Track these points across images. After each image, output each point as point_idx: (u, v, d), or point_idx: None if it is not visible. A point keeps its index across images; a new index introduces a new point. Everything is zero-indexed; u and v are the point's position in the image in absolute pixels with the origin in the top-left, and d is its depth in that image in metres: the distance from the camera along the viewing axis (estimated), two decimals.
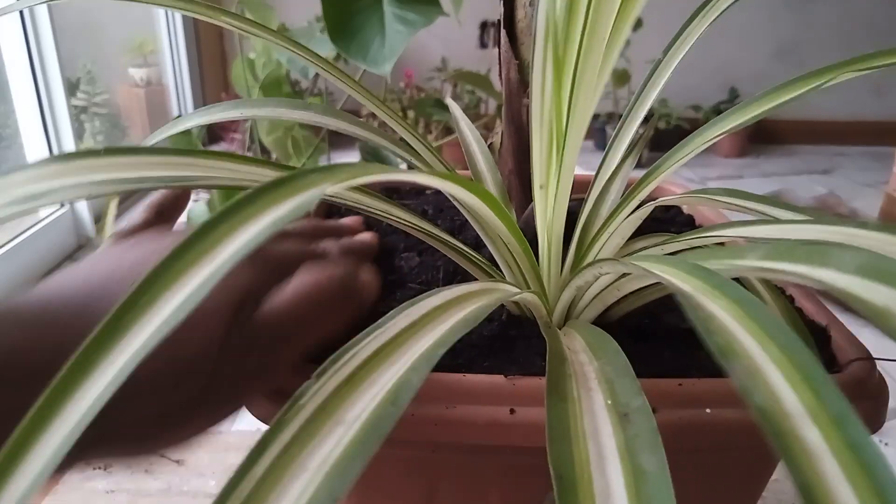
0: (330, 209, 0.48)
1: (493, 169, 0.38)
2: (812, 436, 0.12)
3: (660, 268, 0.18)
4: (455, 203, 0.33)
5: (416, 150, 0.35)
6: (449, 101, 0.43)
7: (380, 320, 0.16)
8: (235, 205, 0.14)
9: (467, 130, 0.41)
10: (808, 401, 0.12)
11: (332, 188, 0.16)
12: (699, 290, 0.16)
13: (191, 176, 0.22)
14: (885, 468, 0.11)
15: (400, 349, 0.15)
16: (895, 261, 0.15)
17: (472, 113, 2.21)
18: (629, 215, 0.30)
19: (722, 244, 0.27)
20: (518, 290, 0.25)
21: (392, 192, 0.53)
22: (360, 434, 0.12)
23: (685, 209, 0.50)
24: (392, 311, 0.17)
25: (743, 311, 0.15)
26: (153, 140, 0.32)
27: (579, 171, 0.33)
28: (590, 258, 0.31)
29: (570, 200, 0.29)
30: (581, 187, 0.34)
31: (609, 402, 0.15)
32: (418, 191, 0.53)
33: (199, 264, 0.13)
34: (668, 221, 0.49)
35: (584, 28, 0.24)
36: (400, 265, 0.39)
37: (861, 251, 0.16)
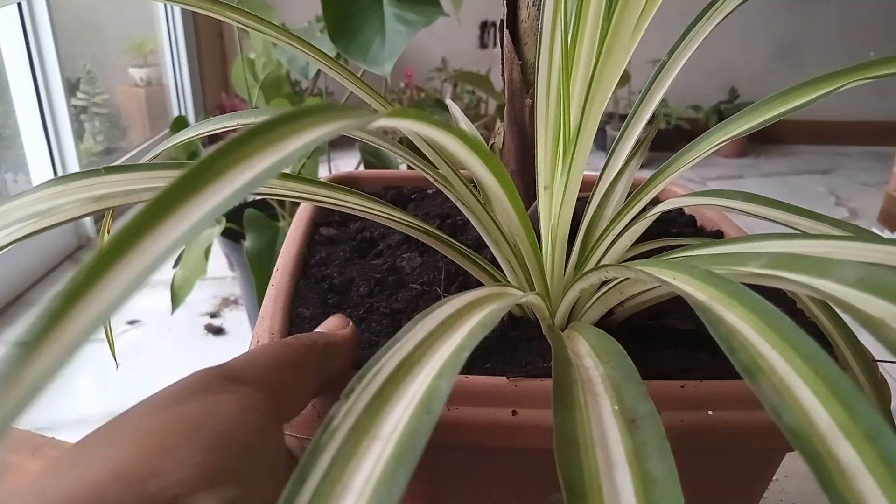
0: (326, 213, 0.47)
1: None
2: (846, 453, 0.12)
3: (670, 274, 0.18)
4: (457, 204, 0.33)
5: (418, 149, 0.35)
6: (448, 102, 0.42)
7: (397, 334, 0.16)
8: (250, 133, 0.13)
9: (467, 131, 0.40)
10: (839, 417, 0.12)
11: (354, 126, 0.15)
12: (714, 298, 0.16)
13: None
14: None
15: (423, 359, 0.15)
16: (893, 275, 0.15)
17: (473, 113, 2.21)
18: (634, 217, 0.30)
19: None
20: (524, 294, 0.25)
21: (394, 192, 0.53)
22: (398, 447, 0.12)
23: (686, 210, 0.50)
24: (408, 324, 0.17)
25: (763, 321, 0.15)
26: (159, 149, 0.32)
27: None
28: (594, 260, 0.31)
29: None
30: (583, 187, 0.34)
31: (616, 408, 0.15)
32: (420, 192, 0.53)
33: (206, 191, 0.12)
34: (669, 222, 0.49)
35: (605, 29, 0.23)
36: (402, 266, 0.39)
37: (861, 265, 0.16)
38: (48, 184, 0.20)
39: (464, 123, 0.41)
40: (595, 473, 0.13)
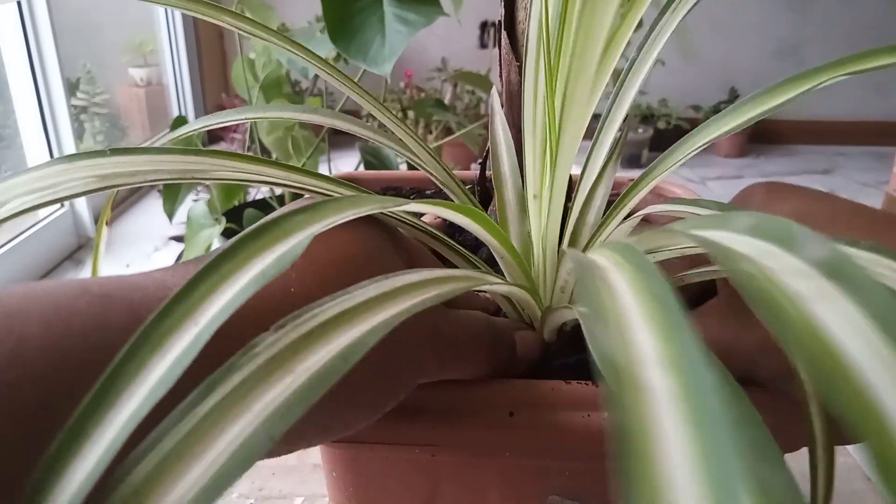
0: None
1: (515, 171, 0.36)
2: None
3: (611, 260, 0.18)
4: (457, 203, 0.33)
5: (414, 153, 0.35)
6: (493, 94, 0.40)
7: (350, 287, 0.16)
8: (216, 260, 0.14)
9: (500, 128, 0.38)
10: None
11: (320, 229, 0.16)
12: (611, 261, 0.16)
13: (197, 170, 0.22)
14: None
15: (364, 314, 0.15)
16: (780, 221, 0.15)
17: (473, 113, 2.21)
18: (621, 223, 0.30)
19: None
20: (501, 282, 0.25)
21: (394, 193, 0.53)
22: (305, 383, 0.13)
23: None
24: (366, 281, 0.17)
25: (635, 274, 0.15)
26: (158, 143, 0.32)
27: (575, 170, 0.33)
28: None
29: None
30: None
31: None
32: (419, 193, 0.53)
33: (179, 330, 0.13)
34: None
35: (574, 43, 0.23)
36: None
37: (763, 216, 0.15)
38: (53, 161, 0.20)
39: (499, 118, 0.39)
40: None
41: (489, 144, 0.37)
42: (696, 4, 0.29)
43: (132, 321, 0.18)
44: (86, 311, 0.17)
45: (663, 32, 0.30)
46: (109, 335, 0.17)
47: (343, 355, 0.14)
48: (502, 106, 0.38)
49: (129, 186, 0.21)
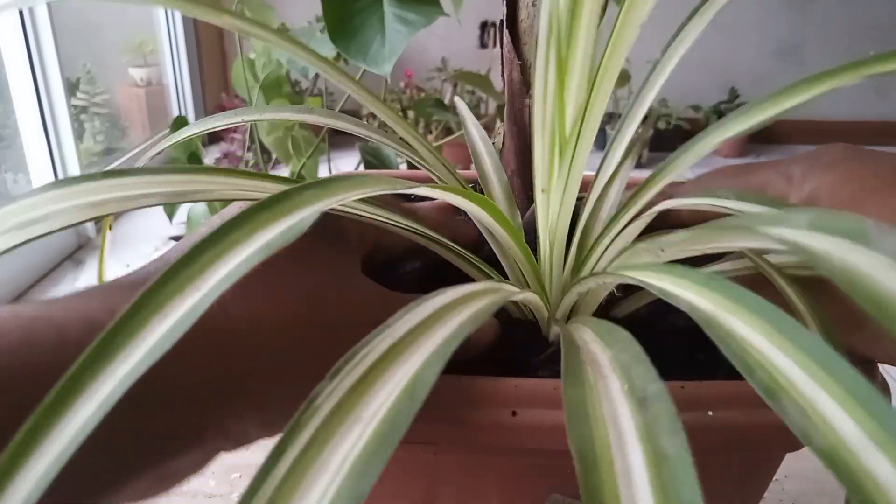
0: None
1: (499, 169, 0.37)
2: (882, 468, 0.11)
3: (669, 280, 0.18)
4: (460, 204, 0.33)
5: (416, 150, 0.35)
6: (457, 100, 0.42)
7: (389, 319, 0.16)
8: (225, 227, 0.14)
9: (474, 130, 0.40)
10: (870, 430, 0.12)
11: (330, 205, 0.16)
12: (721, 306, 0.16)
13: (192, 191, 0.22)
14: None
15: (411, 347, 0.15)
16: (841, 215, 0.16)
17: (472, 113, 2.21)
18: (631, 220, 0.30)
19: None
20: (520, 290, 0.25)
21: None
22: (379, 431, 0.12)
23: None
24: (400, 311, 0.17)
25: (775, 329, 0.14)
26: (159, 148, 0.32)
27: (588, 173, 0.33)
28: (591, 261, 0.31)
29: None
30: (581, 188, 0.34)
31: (626, 387, 0.14)
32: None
33: (183, 293, 0.13)
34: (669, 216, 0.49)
35: (612, 31, 0.23)
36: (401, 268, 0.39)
37: (813, 210, 0.16)
38: (44, 188, 0.20)
39: (470, 122, 0.41)
40: (606, 447, 0.12)
41: (493, 141, 0.37)
42: (722, 7, 0.29)
43: (59, 341, 0.19)
44: (10, 334, 0.18)
45: (689, 35, 0.30)
46: (36, 354, 0.18)
47: (408, 395, 0.13)
48: (504, 104, 0.38)
49: (123, 211, 0.21)
